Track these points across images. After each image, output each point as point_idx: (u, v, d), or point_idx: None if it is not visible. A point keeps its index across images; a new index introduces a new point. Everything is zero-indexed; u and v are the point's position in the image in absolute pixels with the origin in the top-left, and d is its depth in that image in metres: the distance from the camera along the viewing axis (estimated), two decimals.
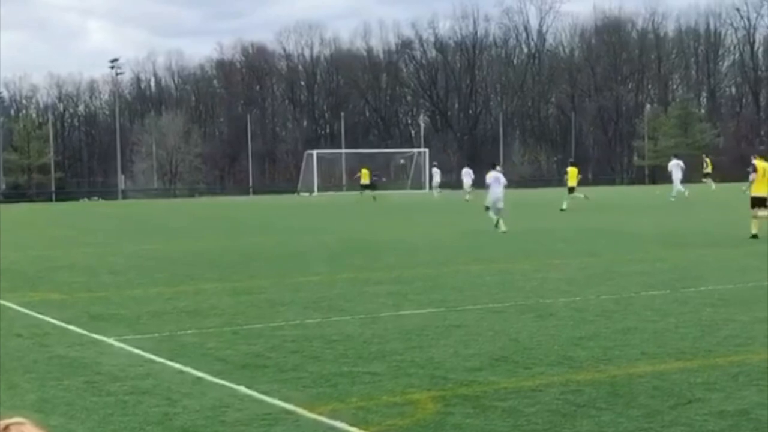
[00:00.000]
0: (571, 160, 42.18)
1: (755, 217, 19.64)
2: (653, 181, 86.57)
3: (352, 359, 7.88)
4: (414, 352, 8.13)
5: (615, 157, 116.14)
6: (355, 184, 61.02)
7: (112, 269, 16.32)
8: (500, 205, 23.55)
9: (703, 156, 55.72)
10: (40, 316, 10.84)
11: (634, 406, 6.24)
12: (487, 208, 24.07)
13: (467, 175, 49.81)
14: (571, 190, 35.48)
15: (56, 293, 13.08)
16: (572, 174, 36.06)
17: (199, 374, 7.42)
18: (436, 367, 7.50)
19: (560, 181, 44.35)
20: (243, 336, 9.17)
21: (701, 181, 51.28)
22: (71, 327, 10.00)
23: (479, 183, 35.82)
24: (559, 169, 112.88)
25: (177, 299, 12.07)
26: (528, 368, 7.40)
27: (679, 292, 11.65)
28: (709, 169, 51.51)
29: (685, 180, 42.70)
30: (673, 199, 38.64)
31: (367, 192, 53.41)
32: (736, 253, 17.01)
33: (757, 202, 19.77)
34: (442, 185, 59.59)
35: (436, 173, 58.70)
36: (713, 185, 48.58)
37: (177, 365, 7.78)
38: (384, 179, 72.60)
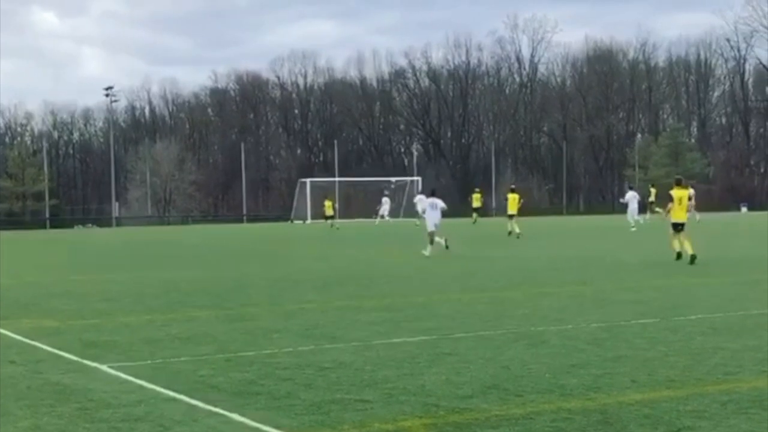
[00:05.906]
0: (512, 186, 42.02)
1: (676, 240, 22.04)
2: (644, 211, 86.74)
3: (345, 387, 7.92)
4: (406, 379, 8.17)
5: (606, 185, 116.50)
6: (351, 212, 64.39)
7: (106, 296, 16.34)
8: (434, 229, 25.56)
9: (649, 186, 57.49)
10: (33, 343, 10.86)
11: None
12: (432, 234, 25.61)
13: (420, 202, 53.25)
14: (511, 216, 36.36)
15: (49, 320, 13.09)
16: (512, 200, 36.89)
17: (192, 402, 7.45)
18: (427, 394, 7.54)
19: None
20: (236, 363, 9.20)
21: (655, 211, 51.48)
22: (64, 354, 10.02)
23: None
24: (551, 198, 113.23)
25: (170, 326, 12.09)
26: (519, 396, 7.45)
27: (670, 321, 11.72)
28: (652, 198, 53.10)
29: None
30: (633, 230, 39.89)
31: (330, 221, 58.31)
32: (725, 281, 17.12)
33: (677, 228, 22.20)
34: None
35: (386, 202, 64.45)
36: (698, 216, 48.16)
37: (170, 392, 7.81)
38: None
